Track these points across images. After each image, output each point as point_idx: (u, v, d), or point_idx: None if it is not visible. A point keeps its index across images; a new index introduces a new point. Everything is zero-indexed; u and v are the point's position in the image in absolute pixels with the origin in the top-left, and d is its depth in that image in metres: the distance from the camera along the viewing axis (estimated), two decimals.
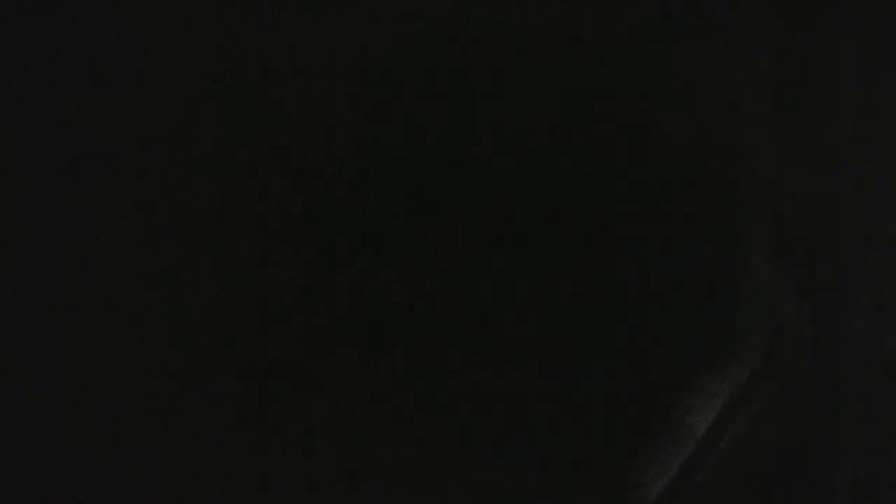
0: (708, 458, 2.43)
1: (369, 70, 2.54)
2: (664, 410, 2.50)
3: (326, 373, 2.50)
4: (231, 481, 2.48)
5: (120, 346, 2.50)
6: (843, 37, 2.53)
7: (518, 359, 2.50)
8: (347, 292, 2.51)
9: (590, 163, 2.53)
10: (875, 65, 2.51)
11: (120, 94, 2.53)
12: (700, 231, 2.51)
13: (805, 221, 2.49)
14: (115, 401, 2.49)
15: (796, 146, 2.48)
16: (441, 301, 2.51)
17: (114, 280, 2.51)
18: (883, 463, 2.47)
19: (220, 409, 2.49)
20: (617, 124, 2.53)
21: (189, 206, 2.51)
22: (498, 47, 2.52)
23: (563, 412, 2.49)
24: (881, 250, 2.50)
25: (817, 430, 2.47)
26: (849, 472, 2.47)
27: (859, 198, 2.52)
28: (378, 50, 2.54)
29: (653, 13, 2.53)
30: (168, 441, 2.48)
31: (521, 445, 2.49)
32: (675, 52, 2.53)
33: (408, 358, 2.50)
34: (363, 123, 2.53)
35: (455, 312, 2.51)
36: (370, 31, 2.54)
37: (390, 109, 2.53)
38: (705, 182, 2.52)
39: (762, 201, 2.51)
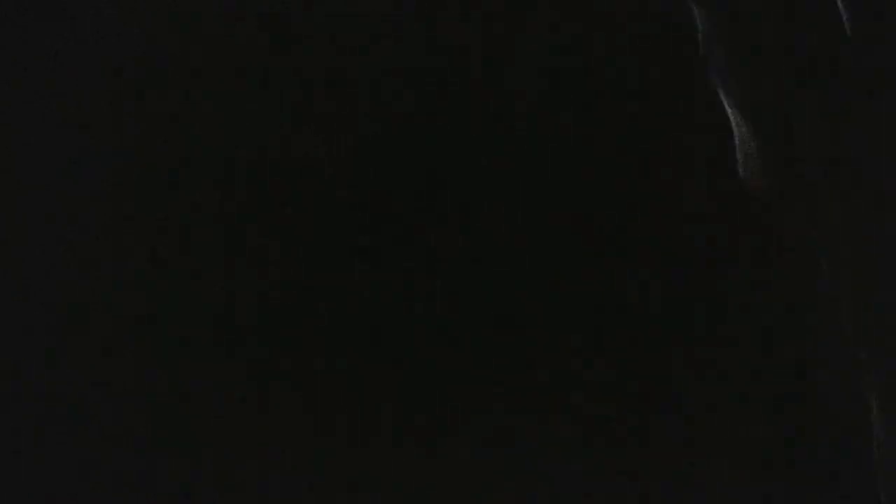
0: None
1: (369, 70, 2.54)
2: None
3: (327, 373, 2.50)
4: (230, 481, 2.48)
5: (120, 347, 2.50)
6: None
7: (519, 359, 2.50)
8: (347, 292, 2.51)
9: (591, 162, 2.53)
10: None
11: (120, 94, 2.53)
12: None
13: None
14: (115, 402, 2.49)
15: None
16: (442, 302, 2.51)
17: (114, 280, 2.51)
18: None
19: (219, 410, 2.49)
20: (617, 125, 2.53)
21: (189, 206, 2.52)
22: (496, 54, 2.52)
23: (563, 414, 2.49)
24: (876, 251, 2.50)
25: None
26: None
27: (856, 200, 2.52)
28: (379, 50, 2.54)
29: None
30: (167, 441, 2.48)
31: (523, 447, 2.49)
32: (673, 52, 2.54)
33: (408, 359, 2.50)
34: (363, 123, 2.53)
35: (457, 313, 2.51)
36: (372, 32, 2.54)
37: (390, 109, 2.53)
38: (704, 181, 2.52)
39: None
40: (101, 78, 2.52)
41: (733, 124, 2.41)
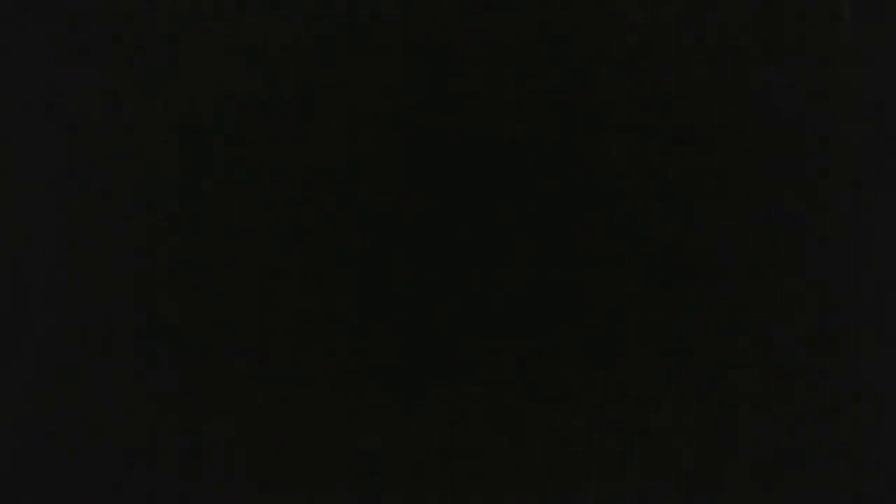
0: None
1: (370, 67, 2.54)
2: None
3: (329, 374, 2.50)
4: (231, 482, 2.48)
5: (121, 349, 2.50)
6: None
7: (528, 362, 2.50)
8: (349, 291, 2.51)
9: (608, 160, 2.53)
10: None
11: (122, 94, 2.53)
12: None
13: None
14: (117, 404, 2.49)
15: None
16: (448, 300, 2.51)
17: (116, 281, 2.51)
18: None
19: (221, 412, 2.49)
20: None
21: (192, 206, 2.52)
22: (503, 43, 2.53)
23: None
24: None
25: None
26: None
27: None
28: (382, 47, 2.54)
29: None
30: (167, 441, 2.48)
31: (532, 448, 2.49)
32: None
33: (413, 358, 2.50)
34: (364, 123, 2.53)
35: (464, 310, 2.51)
36: (373, 31, 2.54)
37: (392, 105, 2.53)
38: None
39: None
40: (101, 78, 2.53)
41: None
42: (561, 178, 2.51)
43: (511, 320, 2.49)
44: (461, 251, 2.50)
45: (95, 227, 2.51)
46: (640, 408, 2.47)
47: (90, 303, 2.49)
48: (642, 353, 2.48)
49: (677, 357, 2.48)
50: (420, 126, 2.52)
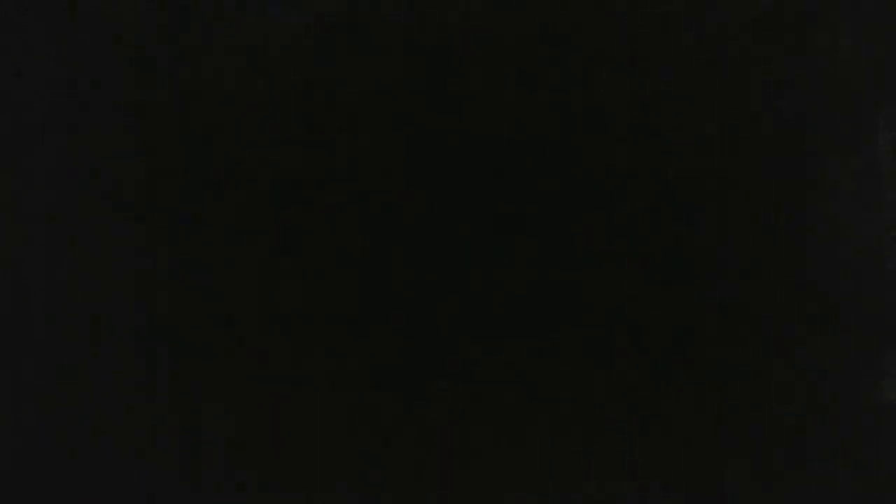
0: None
1: (370, 67, 2.54)
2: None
3: (329, 375, 2.50)
4: (231, 482, 2.47)
5: (121, 349, 2.50)
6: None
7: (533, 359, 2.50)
8: (349, 292, 2.51)
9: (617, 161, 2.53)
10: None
11: (122, 94, 2.53)
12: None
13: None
14: (117, 404, 2.49)
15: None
16: (452, 301, 2.51)
17: (116, 281, 2.51)
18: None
19: (221, 412, 2.49)
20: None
21: (192, 206, 2.51)
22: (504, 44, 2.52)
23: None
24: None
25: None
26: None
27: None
28: (384, 47, 2.54)
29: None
30: (167, 442, 2.48)
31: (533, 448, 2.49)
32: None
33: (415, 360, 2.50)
34: (365, 122, 2.53)
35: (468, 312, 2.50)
36: (373, 31, 2.54)
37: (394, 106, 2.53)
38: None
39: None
40: (101, 78, 2.52)
41: None
42: (561, 178, 2.51)
43: (511, 320, 2.49)
44: (461, 251, 2.50)
45: (95, 227, 2.51)
46: (640, 408, 2.47)
47: (90, 303, 2.49)
48: (642, 353, 2.48)
49: (677, 357, 2.48)
50: (420, 126, 2.52)
